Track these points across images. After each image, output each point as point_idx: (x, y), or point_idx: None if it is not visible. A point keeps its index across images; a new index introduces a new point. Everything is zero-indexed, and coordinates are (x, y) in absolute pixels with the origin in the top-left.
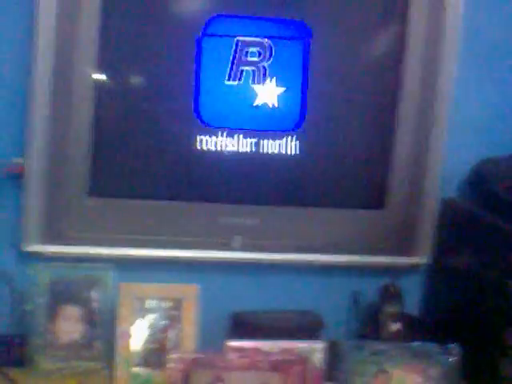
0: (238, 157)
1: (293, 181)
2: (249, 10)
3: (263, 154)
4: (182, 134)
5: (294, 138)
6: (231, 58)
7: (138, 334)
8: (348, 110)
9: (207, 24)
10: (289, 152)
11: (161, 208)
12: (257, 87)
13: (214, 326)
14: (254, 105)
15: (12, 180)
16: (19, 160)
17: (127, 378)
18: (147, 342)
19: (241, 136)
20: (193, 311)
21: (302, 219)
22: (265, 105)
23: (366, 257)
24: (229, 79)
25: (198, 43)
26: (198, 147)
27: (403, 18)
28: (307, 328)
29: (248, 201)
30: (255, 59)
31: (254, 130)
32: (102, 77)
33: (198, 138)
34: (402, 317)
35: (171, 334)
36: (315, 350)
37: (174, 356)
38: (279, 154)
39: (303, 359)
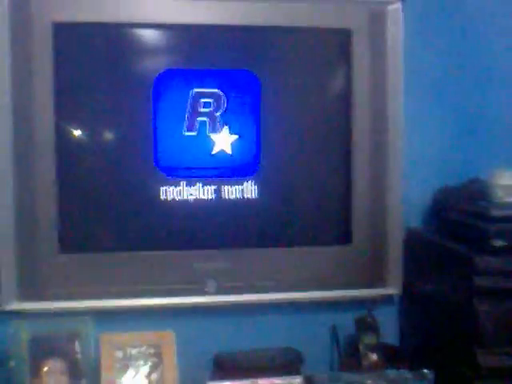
0: (201, 204)
1: (259, 223)
2: (199, 63)
3: (225, 199)
4: (146, 185)
5: (253, 183)
6: (187, 109)
7: (122, 382)
8: (302, 152)
9: (161, 77)
10: (250, 196)
11: (132, 258)
12: (213, 136)
13: (194, 368)
14: (213, 153)
15: None
16: None
17: None
18: None
19: (201, 184)
20: (172, 356)
21: (272, 259)
22: (222, 152)
23: (339, 291)
24: (186, 130)
25: (153, 96)
26: (162, 197)
27: (348, 63)
28: (287, 365)
29: (218, 245)
30: (209, 109)
31: (214, 178)
32: (63, 134)
33: (162, 188)
34: (379, 346)
35: (153, 380)
36: None
37: None
38: (241, 199)
39: None
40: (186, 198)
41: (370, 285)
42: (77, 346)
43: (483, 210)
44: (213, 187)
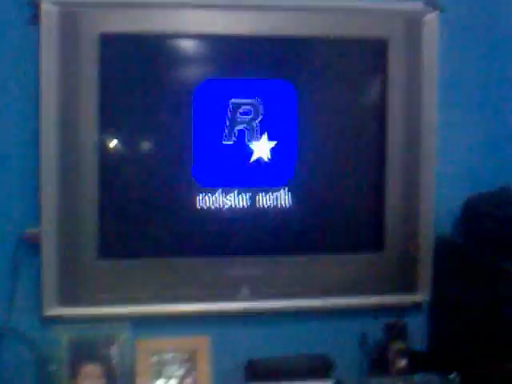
0: (236, 211)
1: (293, 231)
2: (238, 73)
3: (259, 207)
4: (182, 194)
5: (287, 191)
6: (226, 118)
7: None
8: (336, 160)
9: (201, 87)
10: (284, 204)
11: (168, 265)
12: (251, 145)
13: (228, 373)
14: (250, 161)
15: (29, 249)
16: (34, 230)
17: None
18: None
19: (236, 192)
20: (206, 361)
21: (305, 266)
22: (259, 160)
23: (369, 297)
24: (225, 139)
25: (194, 105)
26: (199, 206)
27: (383, 72)
28: (318, 370)
29: (252, 253)
30: (248, 118)
31: (249, 186)
32: (105, 146)
33: (198, 197)
34: (408, 352)
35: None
36: None
37: None
38: (275, 207)
39: None
40: (221, 205)
41: (400, 291)
42: (114, 350)
43: None
44: (248, 195)
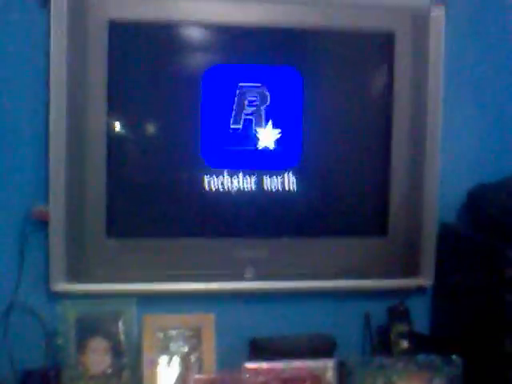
0: (243, 194)
1: (298, 214)
2: (246, 59)
3: (265, 190)
4: (190, 174)
5: (293, 175)
6: (234, 103)
7: (162, 362)
8: (341, 146)
9: (209, 72)
10: (290, 187)
11: (175, 244)
12: (258, 130)
13: (232, 351)
14: (256, 146)
15: (37, 225)
16: (43, 207)
17: None
18: (171, 368)
19: (242, 175)
20: (211, 338)
21: (309, 249)
22: (265, 145)
23: (373, 281)
24: (232, 123)
25: (202, 89)
26: (206, 187)
27: (390, 64)
28: (321, 350)
29: (257, 234)
30: (255, 103)
31: (255, 169)
32: (113, 127)
33: (206, 179)
34: (410, 334)
35: (193, 360)
36: (327, 367)
37: (196, 377)
38: (281, 190)
39: (315, 376)
40: (228, 188)
41: (403, 275)
42: (120, 326)
43: None
44: (254, 178)
